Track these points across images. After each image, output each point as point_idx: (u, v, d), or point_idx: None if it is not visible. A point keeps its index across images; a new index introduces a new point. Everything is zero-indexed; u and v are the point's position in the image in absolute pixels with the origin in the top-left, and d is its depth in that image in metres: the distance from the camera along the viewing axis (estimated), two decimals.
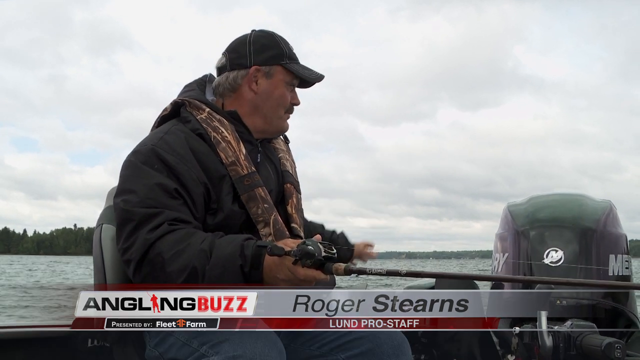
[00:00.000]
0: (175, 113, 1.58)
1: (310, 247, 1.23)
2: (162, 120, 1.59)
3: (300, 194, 1.71)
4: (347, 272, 1.26)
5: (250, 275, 1.30)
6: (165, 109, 1.60)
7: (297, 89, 1.67)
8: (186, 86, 1.66)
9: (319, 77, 1.66)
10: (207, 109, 1.55)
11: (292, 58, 1.62)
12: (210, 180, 1.47)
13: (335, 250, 1.27)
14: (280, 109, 1.61)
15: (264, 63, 1.58)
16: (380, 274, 1.27)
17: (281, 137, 1.78)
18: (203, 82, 1.66)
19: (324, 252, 1.24)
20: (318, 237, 1.29)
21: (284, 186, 1.65)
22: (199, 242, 1.33)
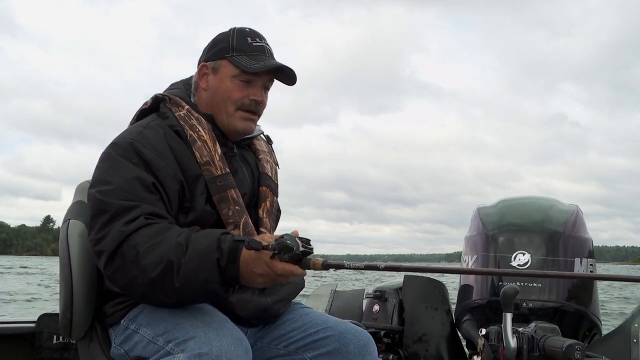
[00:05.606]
0: (155, 108, 1.56)
1: (288, 241, 1.22)
2: (142, 114, 1.58)
3: (277, 196, 1.69)
4: (325, 266, 1.24)
5: (226, 269, 1.28)
6: (145, 103, 1.58)
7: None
8: (172, 84, 1.64)
9: (263, 67, 1.50)
10: (187, 107, 1.54)
11: (243, 50, 1.52)
12: (186, 178, 1.45)
13: (312, 246, 1.26)
14: (227, 104, 1.53)
15: (210, 58, 1.56)
16: (358, 268, 1.26)
17: (263, 137, 1.75)
18: (189, 82, 1.63)
19: (302, 247, 1.24)
20: (295, 232, 1.29)
21: (259, 189, 1.63)
22: (175, 236, 1.32)
